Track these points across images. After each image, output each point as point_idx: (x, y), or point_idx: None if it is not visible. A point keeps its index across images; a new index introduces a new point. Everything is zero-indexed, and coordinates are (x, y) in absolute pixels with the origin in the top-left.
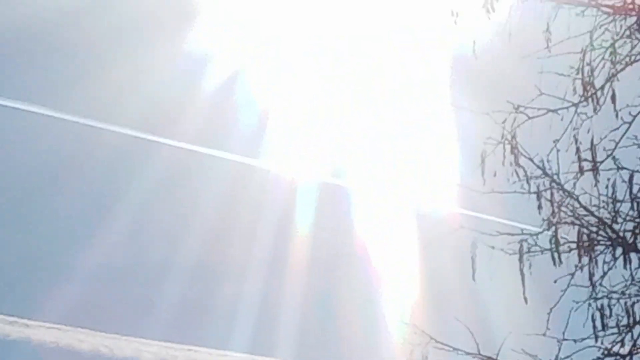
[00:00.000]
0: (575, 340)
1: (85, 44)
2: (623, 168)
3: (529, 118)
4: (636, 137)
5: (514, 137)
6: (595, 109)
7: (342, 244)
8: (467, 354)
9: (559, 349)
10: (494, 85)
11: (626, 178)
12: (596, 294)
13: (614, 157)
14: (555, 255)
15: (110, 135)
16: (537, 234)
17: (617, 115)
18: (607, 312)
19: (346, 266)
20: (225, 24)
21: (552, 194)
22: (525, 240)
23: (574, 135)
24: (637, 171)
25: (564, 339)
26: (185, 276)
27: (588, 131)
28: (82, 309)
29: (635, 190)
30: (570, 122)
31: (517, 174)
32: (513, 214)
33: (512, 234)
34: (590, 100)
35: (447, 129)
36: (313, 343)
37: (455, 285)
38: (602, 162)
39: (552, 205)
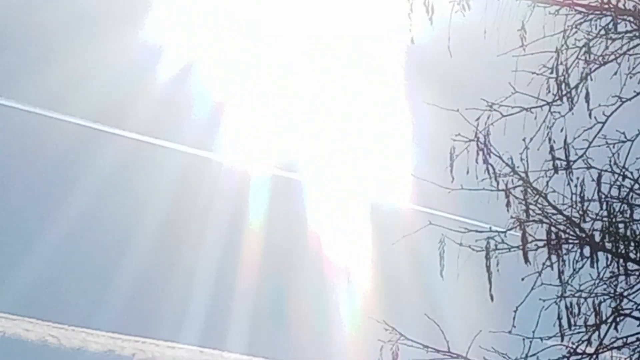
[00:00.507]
0: (541, 339)
1: (38, 34)
2: (592, 167)
3: (503, 116)
4: (605, 137)
5: (487, 134)
6: (570, 108)
7: (295, 237)
8: (438, 351)
9: (529, 348)
10: (468, 83)
11: (595, 177)
12: (565, 293)
13: (586, 157)
14: (524, 253)
15: (63, 125)
16: (505, 232)
17: (590, 115)
18: (575, 310)
19: (299, 259)
20: (179, 15)
21: (525, 192)
22: (492, 237)
23: (547, 134)
24: (606, 170)
25: (529, 337)
26: (136, 267)
27: (561, 130)
28: (29, 298)
29: (604, 189)
30: (544, 121)
31: (489, 171)
32: (478, 213)
33: (480, 231)
34: (564, 99)
35: (410, 125)
36: (265, 336)
37: (415, 281)
38: (575, 161)
39: (524, 203)
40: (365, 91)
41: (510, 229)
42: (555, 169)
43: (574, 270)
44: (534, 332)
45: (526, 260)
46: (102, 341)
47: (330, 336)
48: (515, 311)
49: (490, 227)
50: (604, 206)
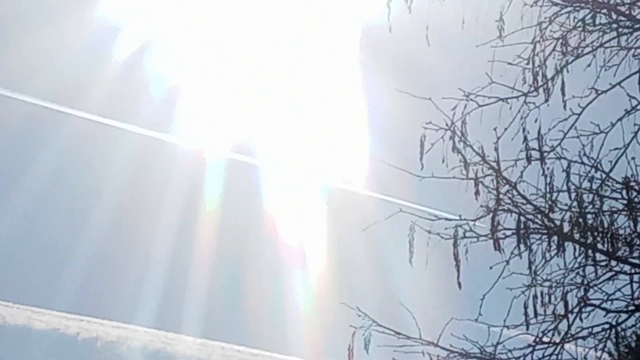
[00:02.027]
0: (508, 327)
1: None
2: (563, 158)
3: (479, 106)
4: (576, 128)
5: (463, 123)
6: (545, 100)
7: (251, 219)
8: (409, 338)
9: (499, 336)
10: (444, 71)
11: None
12: (533, 282)
13: (560, 148)
14: (493, 241)
15: (17, 104)
16: (474, 220)
17: (565, 106)
18: (545, 300)
19: (255, 242)
20: None
21: (495, 182)
22: (461, 226)
23: (522, 125)
24: (578, 162)
25: (496, 326)
26: (90, 248)
27: (536, 121)
28: None
29: (575, 180)
30: (519, 111)
31: (460, 160)
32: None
33: (449, 219)
34: (540, 90)
35: (376, 112)
36: (219, 318)
37: (376, 267)
38: (549, 152)
39: (494, 192)
40: (329, 76)
41: (480, 218)
42: (529, 160)
43: (543, 260)
44: (504, 320)
45: (496, 248)
46: (47, 319)
47: (285, 319)
48: (482, 299)
49: (460, 216)
50: (574, 197)
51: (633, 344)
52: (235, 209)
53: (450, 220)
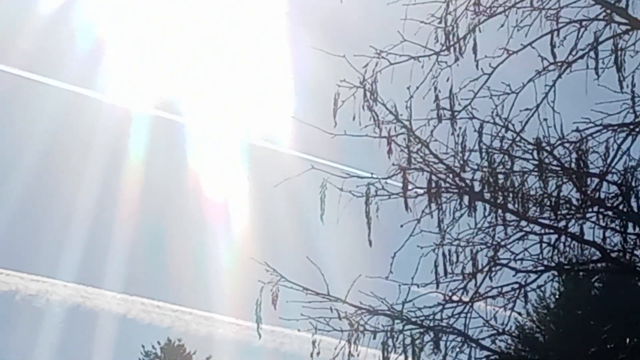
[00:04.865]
0: (418, 285)
1: None
2: (475, 118)
3: (391, 64)
4: (488, 88)
5: (374, 82)
6: (456, 59)
7: (175, 176)
8: (317, 294)
9: (407, 294)
10: (356, 30)
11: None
12: (443, 241)
13: (470, 107)
14: (404, 200)
15: None
16: (385, 179)
17: (477, 66)
18: (453, 258)
19: (179, 199)
20: None
21: (408, 140)
22: (373, 184)
23: (433, 84)
24: (489, 122)
25: (406, 284)
26: (11, 201)
27: (447, 80)
28: None
29: (486, 140)
30: (431, 70)
31: (373, 118)
32: (359, 160)
33: (361, 177)
34: (451, 49)
35: (293, 69)
36: (141, 273)
37: (294, 224)
38: (459, 111)
39: (406, 151)
40: (248, 34)
41: (391, 176)
42: (440, 119)
43: (453, 218)
44: (412, 278)
45: (406, 207)
46: None
47: (208, 276)
48: (393, 257)
49: (372, 174)
50: (485, 157)
51: (552, 305)
52: (159, 165)
53: (362, 178)
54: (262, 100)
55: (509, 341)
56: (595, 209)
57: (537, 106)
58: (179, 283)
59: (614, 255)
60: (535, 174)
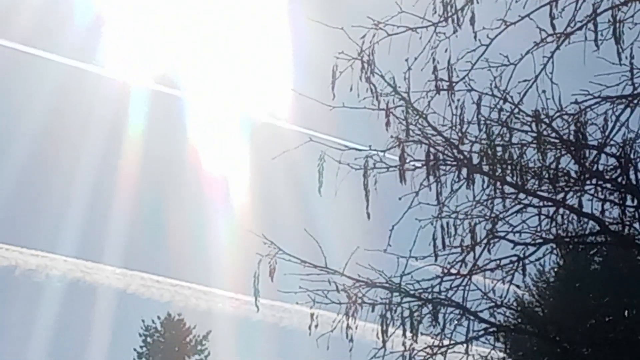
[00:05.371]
0: (416, 258)
1: None
2: (473, 90)
3: (388, 35)
4: (487, 60)
5: (371, 53)
6: (454, 30)
7: (174, 150)
8: (315, 267)
9: (404, 267)
10: (354, 1)
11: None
12: (441, 214)
13: (468, 79)
14: (401, 172)
15: None
16: (384, 151)
17: (475, 37)
18: (451, 231)
19: (177, 172)
20: None
21: (406, 113)
22: (371, 156)
23: (431, 55)
24: (487, 94)
25: (404, 257)
26: (11, 176)
27: (445, 51)
28: None
29: (484, 112)
30: (429, 41)
31: (371, 90)
32: (357, 133)
33: (359, 149)
34: (449, 21)
35: (291, 42)
36: (141, 248)
37: (293, 197)
38: (457, 82)
39: (404, 123)
40: (246, 7)
41: (389, 149)
42: (438, 90)
43: (451, 191)
44: (410, 251)
45: (402, 179)
46: None
47: (207, 250)
48: (391, 230)
49: (370, 146)
50: (484, 129)
51: (551, 280)
52: (158, 140)
53: (360, 150)
54: (261, 74)
55: (507, 313)
56: (594, 181)
57: (536, 78)
58: (178, 258)
59: (612, 228)
60: (534, 146)
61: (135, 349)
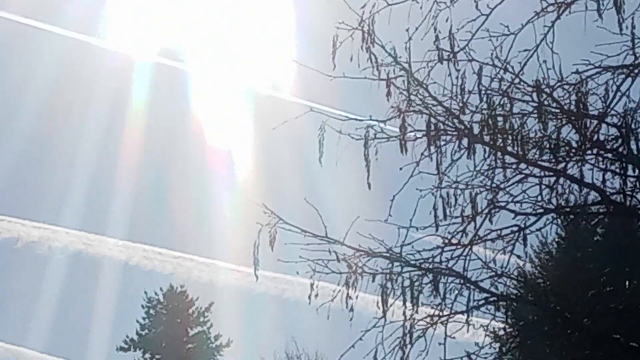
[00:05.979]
0: (417, 228)
1: None
2: (474, 60)
3: (388, 4)
4: (487, 30)
5: (372, 22)
6: None
7: (177, 122)
8: (315, 236)
9: (405, 237)
10: None
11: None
12: (442, 184)
13: (468, 49)
14: (402, 142)
15: None
16: (384, 121)
17: (477, 6)
18: (452, 201)
19: (181, 144)
20: None
21: (407, 83)
22: (372, 127)
23: (432, 25)
24: (488, 64)
25: (405, 227)
26: (14, 148)
27: (446, 20)
28: None
29: (485, 82)
30: (430, 11)
31: (371, 60)
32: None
33: (359, 119)
34: None
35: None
36: (144, 220)
37: (295, 168)
38: (457, 52)
39: (405, 93)
40: None
41: (390, 119)
42: (440, 59)
43: (452, 161)
44: (411, 221)
45: (403, 149)
46: None
47: (210, 222)
48: (392, 200)
49: (370, 116)
50: (484, 99)
51: (554, 252)
52: (162, 112)
53: (361, 120)
54: (263, 45)
55: (508, 283)
56: (595, 151)
57: (536, 47)
58: (180, 230)
59: (613, 197)
60: (535, 116)
61: (137, 321)
